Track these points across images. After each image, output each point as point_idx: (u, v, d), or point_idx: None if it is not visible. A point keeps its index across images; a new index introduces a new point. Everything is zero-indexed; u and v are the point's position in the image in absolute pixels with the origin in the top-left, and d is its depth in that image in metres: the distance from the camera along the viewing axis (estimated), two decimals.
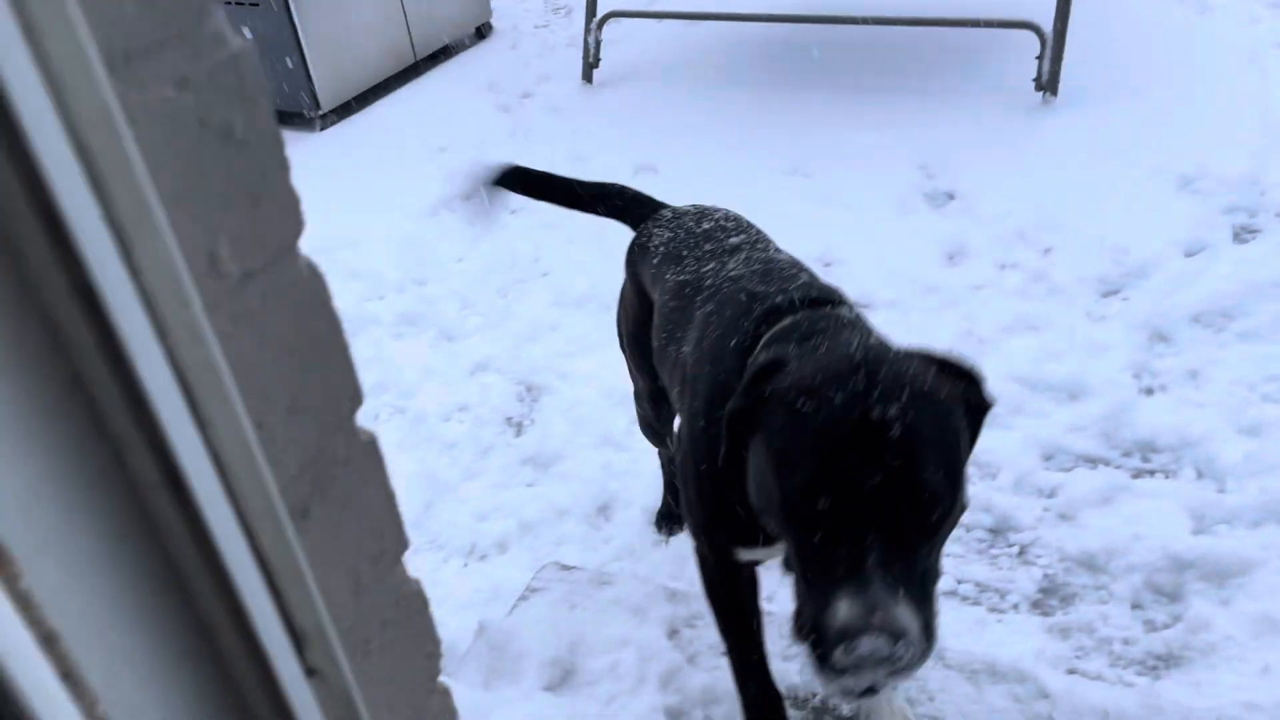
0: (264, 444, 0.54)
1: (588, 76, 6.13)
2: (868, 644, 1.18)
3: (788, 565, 1.38)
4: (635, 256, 2.46)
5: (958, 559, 2.80)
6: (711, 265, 2.07)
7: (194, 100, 0.47)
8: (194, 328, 0.41)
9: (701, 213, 2.36)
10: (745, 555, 1.78)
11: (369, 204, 5.12)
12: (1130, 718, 2.00)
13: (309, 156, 5.76)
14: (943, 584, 2.75)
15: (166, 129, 0.46)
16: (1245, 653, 2.40)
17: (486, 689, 2.20)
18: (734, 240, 2.16)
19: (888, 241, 4.22)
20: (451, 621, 2.75)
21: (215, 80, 0.48)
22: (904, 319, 3.74)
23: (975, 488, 2.97)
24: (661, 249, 2.27)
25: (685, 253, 2.18)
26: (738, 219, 2.32)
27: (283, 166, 0.55)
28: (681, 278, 2.10)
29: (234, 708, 0.46)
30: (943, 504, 1.28)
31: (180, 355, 0.40)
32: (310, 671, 0.49)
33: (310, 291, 0.58)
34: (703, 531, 1.83)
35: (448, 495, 3.29)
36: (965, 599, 2.70)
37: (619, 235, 4.59)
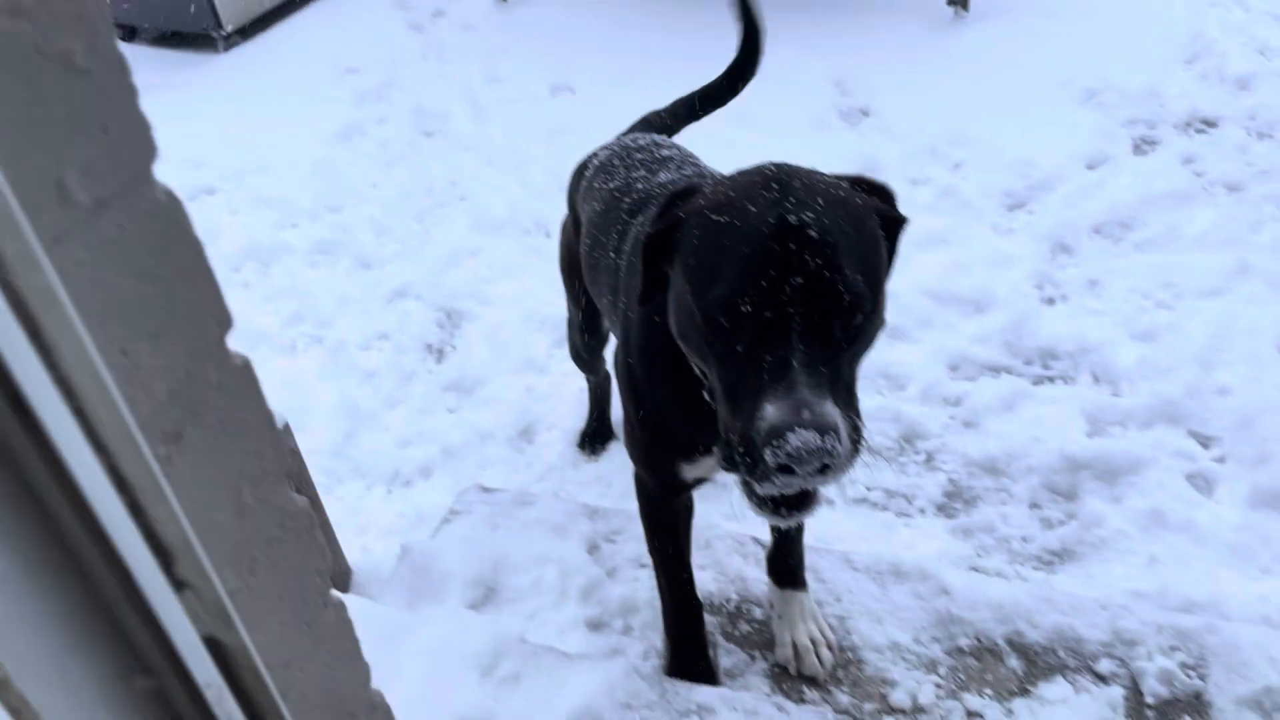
0: (128, 369, 0.56)
1: None
2: (796, 439, 1.16)
3: (726, 461, 1.35)
4: (573, 180, 2.44)
5: (868, 467, 2.90)
6: (642, 173, 2.08)
7: (30, 28, 0.47)
8: (29, 256, 0.42)
9: (644, 136, 2.35)
10: (689, 472, 1.78)
11: (278, 128, 4.98)
12: (1023, 608, 2.13)
13: (213, 79, 5.57)
14: (852, 492, 2.88)
15: (1, 59, 0.46)
16: (1134, 545, 2.55)
17: (410, 610, 2.24)
18: (665, 153, 2.17)
19: (803, 159, 4.22)
20: (376, 547, 2.79)
21: (51, 7, 0.48)
22: None
23: (884, 399, 3.07)
24: (596, 165, 2.27)
25: (618, 163, 2.18)
26: (676, 143, 2.32)
27: (129, 93, 0.55)
28: (611, 185, 2.11)
29: (104, 621, 0.48)
30: (864, 306, 1.27)
31: (17, 282, 0.41)
32: (180, 585, 0.52)
33: (169, 218, 0.59)
34: (645, 452, 1.82)
35: (370, 424, 3.29)
36: (874, 505, 2.81)
37: (539, 158, 4.57)
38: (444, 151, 4.73)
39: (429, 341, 3.64)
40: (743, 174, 1.40)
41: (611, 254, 1.96)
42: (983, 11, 5.01)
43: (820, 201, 1.28)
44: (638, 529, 2.32)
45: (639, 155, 2.17)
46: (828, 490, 1.57)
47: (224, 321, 0.62)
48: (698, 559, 2.34)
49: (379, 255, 4.09)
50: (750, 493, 1.37)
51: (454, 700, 1.75)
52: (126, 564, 0.46)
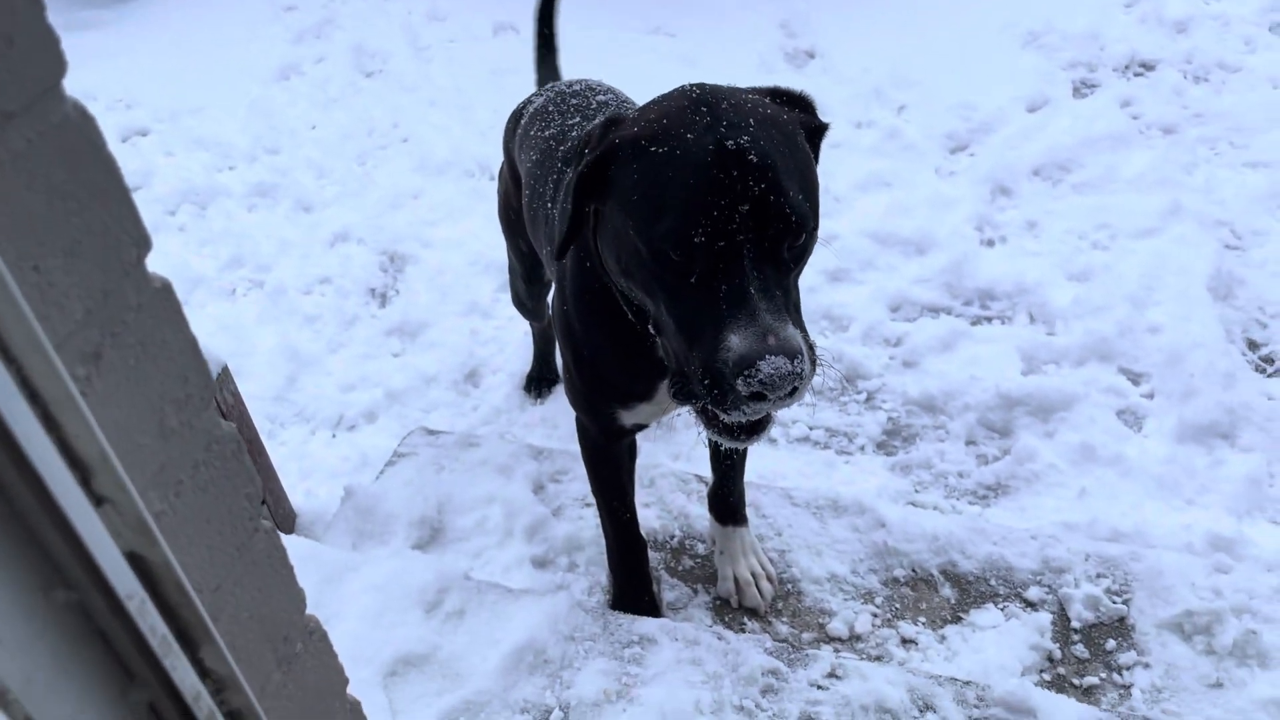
0: (41, 287, 0.55)
1: None
2: (768, 366, 1.19)
3: (680, 395, 1.37)
4: (508, 128, 2.40)
5: (809, 408, 2.95)
6: (577, 120, 2.05)
7: None
8: None
9: (579, 82, 2.31)
10: (627, 419, 1.78)
11: (213, 67, 4.84)
12: (957, 539, 2.19)
13: (145, 16, 5.38)
14: (797, 432, 2.92)
15: None
16: (1065, 479, 2.63)
17: (355, 550, 2.25)
18: (601, 98, 2.14)
19: None
20: (321, 491, 2.77)
21: None
22: None
23: (827, 340, 3.11)
24: (531, 112, 2.23)
25: (552, 110, 2.15)
26: (611, 87, 2.29)
27: (35, 4, 0.54)
28: (547, 133, 2.08)
29: (21, 534, 0.48)
30: (808, 224, 1.28)
31: None
32: (99, 500, 0.51)
33: (81, 134, 0.58)
34: (584, 399, 1.80)
35: (312, 368, 3.25)
36: (816, 444, 2.86)
37: (482, 99, 4.50)
38: (385, 92, 4.63)
39: (372, 285, 3.59)
40: (666, 99, 1.38)
41: (549, 204, 1.94)
42: None
43: (752, 123, 1.27)
44: (583, 469, 2.35)
45: (574, 101, 2.14)
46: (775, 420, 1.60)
47: (141, 242, 0.61)
48: (642, 496, 2.37)
49: (319, 198, 4.02)
50: (710, 420, 1.38)
51: (398, 636, 1.76)
52: (42, 478, 0.45)
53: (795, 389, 1.23)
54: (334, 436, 3.04)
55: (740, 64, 4.48)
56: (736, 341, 1.22)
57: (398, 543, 2.28)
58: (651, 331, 1.50)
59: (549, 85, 2.33)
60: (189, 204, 4.01)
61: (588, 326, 1.69)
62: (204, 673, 0.63)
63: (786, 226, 1.26)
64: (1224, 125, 3.77)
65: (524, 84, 2.73)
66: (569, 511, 2.38)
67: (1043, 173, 3.68)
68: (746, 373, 1.20)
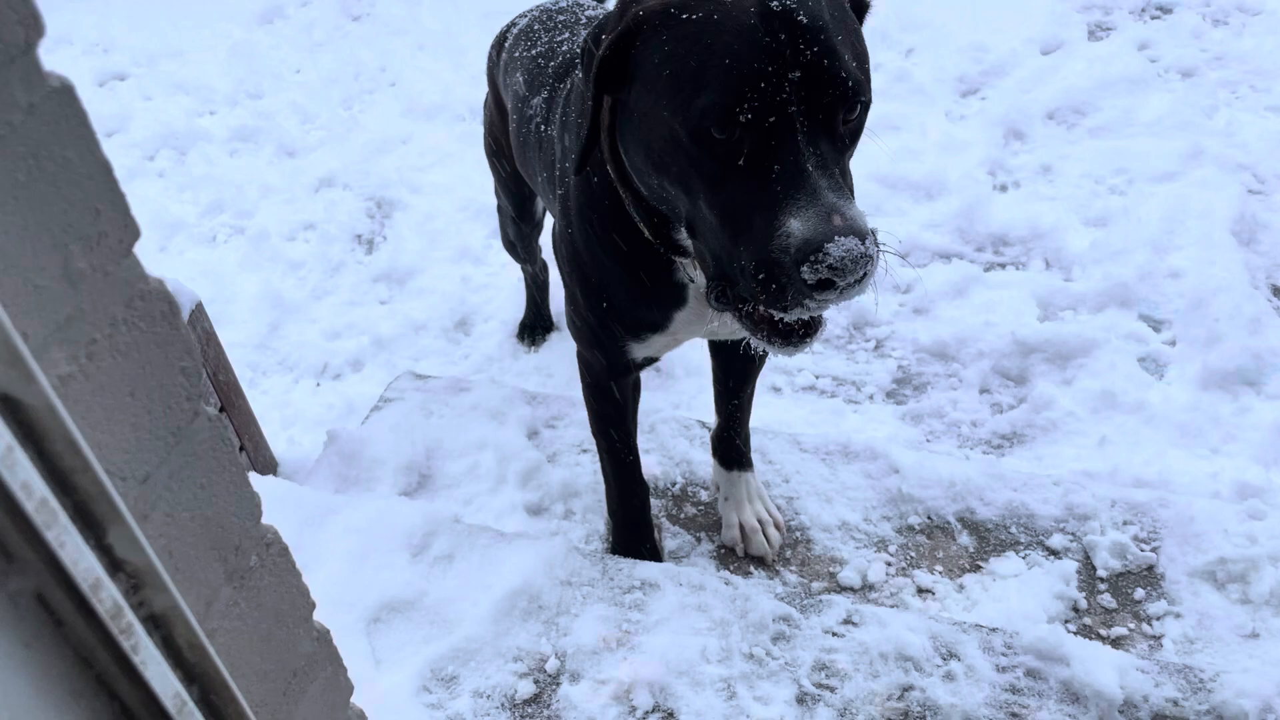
0: None
1: None
2: (838, 248, 1.03)
3: (719, 297, 1.20)
4: (491, 55, 2.25)
5: (816, 356, 2.83)
6: (566, 35, 1.90)
7: None
8: None
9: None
10: (638, 351, 1.64)
11: (193, 11, 4.67)
12: (974, 485, 2.07)
13: None
14: (803, 381, 2.80)
15: None
16: (1084, 427, 2.51)
17: (339, 494, 2.12)
18: (591, 12, 2.00)
19: None
20: (305, 440, 2.65)
21: None
22: None
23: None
24: (516, 33, 2.08)
25: (538, 28, 2.00)
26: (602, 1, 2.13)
27: None
28: (534, 52, 1.93)
29: None
30: (864, 93, 1.13)
31: None
32: None
33: None
34: (591, 332, 1.65)
35: (296, 315, 3.12)
36: (823, 393, 2.73)
37: (473, 41, 4.33)
38: (373, 36, 4.47)
39: (358, 232, 3.45)
40: None
41: (541, 124, 1.79)
42: None
43: None
44: (580, 414, 2.22)
45: (561, 17, 1.99)
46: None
47: (31, 23, 0.48)
48: (643, 443, 2.25)
49: (304, 143, 3.87)
50: (759, 324, 1.21)
51: (383, 580, 1.64)
52: None
53: (865, 274, 1.07)
54: (318, 385, 2.91)
55: None
56: (798, 225, 1.06)
57: (383, 489, 2.15)
58: (679, 242, 1.35)
59: (535, 4, 2.18)
60: (168, 149, 3.86)
61: (596, 250, 1.53)
62: (115, 563, 0.50)
63: (843, 94, 1.10)
64: (1244, 68, 3.63)
65: None
66: (565, 457, 2.26)
67: (1057, 116, 3.54)
68: (813, 257, 1.04)
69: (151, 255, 3.35)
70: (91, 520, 0.48)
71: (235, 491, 0.70)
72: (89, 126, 0.53)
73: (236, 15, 4.59)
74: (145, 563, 0.51)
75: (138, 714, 0.51)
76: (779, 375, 2.79)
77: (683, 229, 1.28)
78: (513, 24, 2.16)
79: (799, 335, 1.22)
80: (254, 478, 1.81)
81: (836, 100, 1.10)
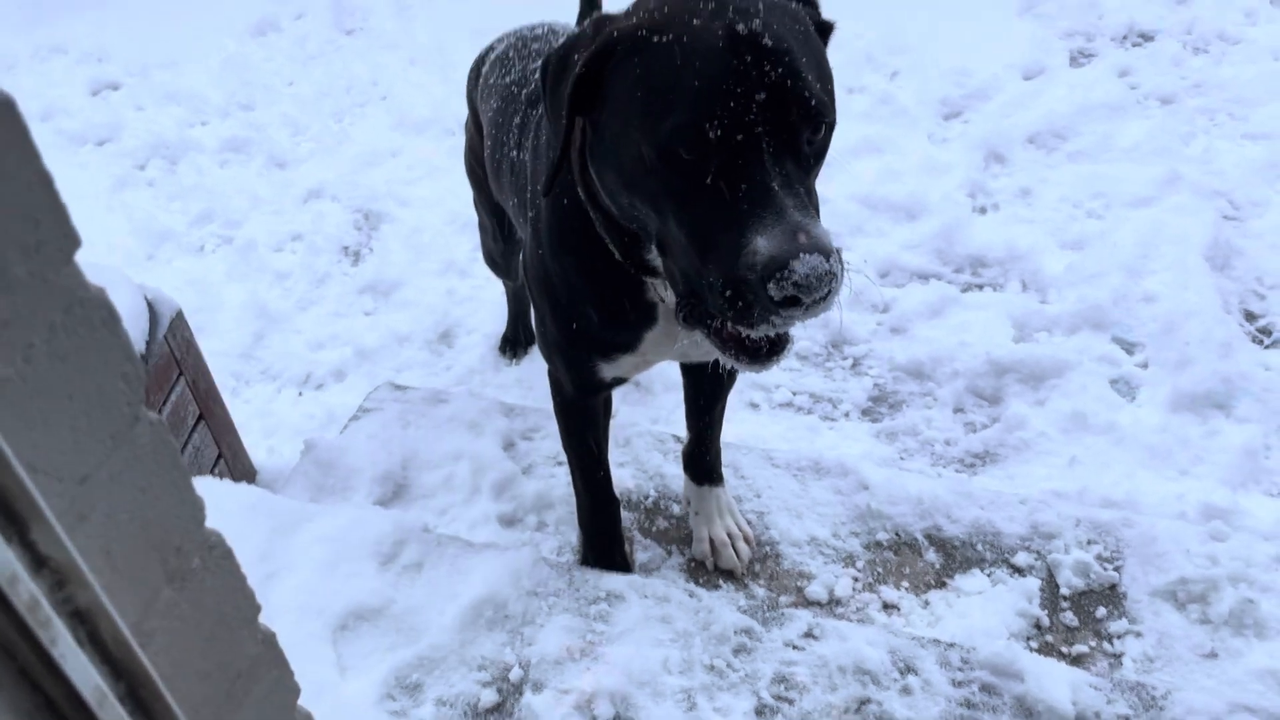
0: None
1: None
2: (803, 265, 1.05)
3: (688, 315, 1.23)
4: (470, 77, 2.28)
5: (794, 372, 2.85)
6: (538, 64, 1.93)
7: None
8: None
9: (541, 25, 2.19)
10: (608, 371, 1.64)
11: (187, 21, 4.71)
12: (942, 502, 2.10)
13: None
14: (780, 397, 2.82)
15: None
16: (1055, 447, 2.54)
17: (312, 503, 2.14)
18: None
19: None
20: (284, 448, 2.67)
21: None
22: None
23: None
24: (493, 59, 2.11)
25: (513, 55, 2.04)
26: (572, 28, 2.16)
27: None
28: (508, 79, 1.97)
29: None
30: (828, 114, 1.15)
31: None
32: None
33: None
34: (560, 351, 1.66)
35: (281, 325, 3.14)
36: (799, 409, 2.76)
37: (465, 57, 4.36)
38: (365, 50, 4.51)
39: (345, 243, 3.48)
40: None
41: (514, 151, 1.81)
42: None
43: (761, 8, 1.15)
44: (556, 427, 2.25)
45: (535, 45, 2.02)
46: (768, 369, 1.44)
47: None
48: (617, 455, 2.27)
49: (294, 154, 3.90)
50: (727, 342, 1.24)
51: (351, 588, 1.66)
52: None
53: (830, 291, 1.09)
54: (300, 395, 2.93)
55: None
56: (764, 243, 1.08)
57: (359, 498, 2.17)
58: (650, 262, 1.36)
59: (511, 30, 2.21)
60: (159, 158, 3.89)
61: (566, 268, 1.54)
62: (38, 559, 0.53)
63: (806, 114, 1.12)
64: (1223, 96, 3.68)
65: None
66: (540, 469, 2.28)
67: (1037, 140, 3.58)
68: (779, 275, 1.06)
69: (139, 263, 3.38)
70: (14, 517, 0.50)
71: (178, 495, 0.72)
72: (29, 140, 0.56)
73: (231, 27, 4.64)
74: (68, 560, 0.54)
75: (60, 706, 0.53)
76: (757, 391, 2.82)
77: (653, 248, 1.30)
78: (490, 49, 2.20)
79: (766, 352, 1.25)
80: (227, 484, 1.83)
81: (801, 120, 1.13)
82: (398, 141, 3.92)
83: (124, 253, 3.39)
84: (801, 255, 1.06)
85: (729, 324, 1.18)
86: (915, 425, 2.65)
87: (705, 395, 1.96)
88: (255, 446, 2.64)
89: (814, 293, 1.07)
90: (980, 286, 3.06)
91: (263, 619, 0.84)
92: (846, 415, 2.72)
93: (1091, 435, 2.55)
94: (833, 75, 1.25)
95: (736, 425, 2.65)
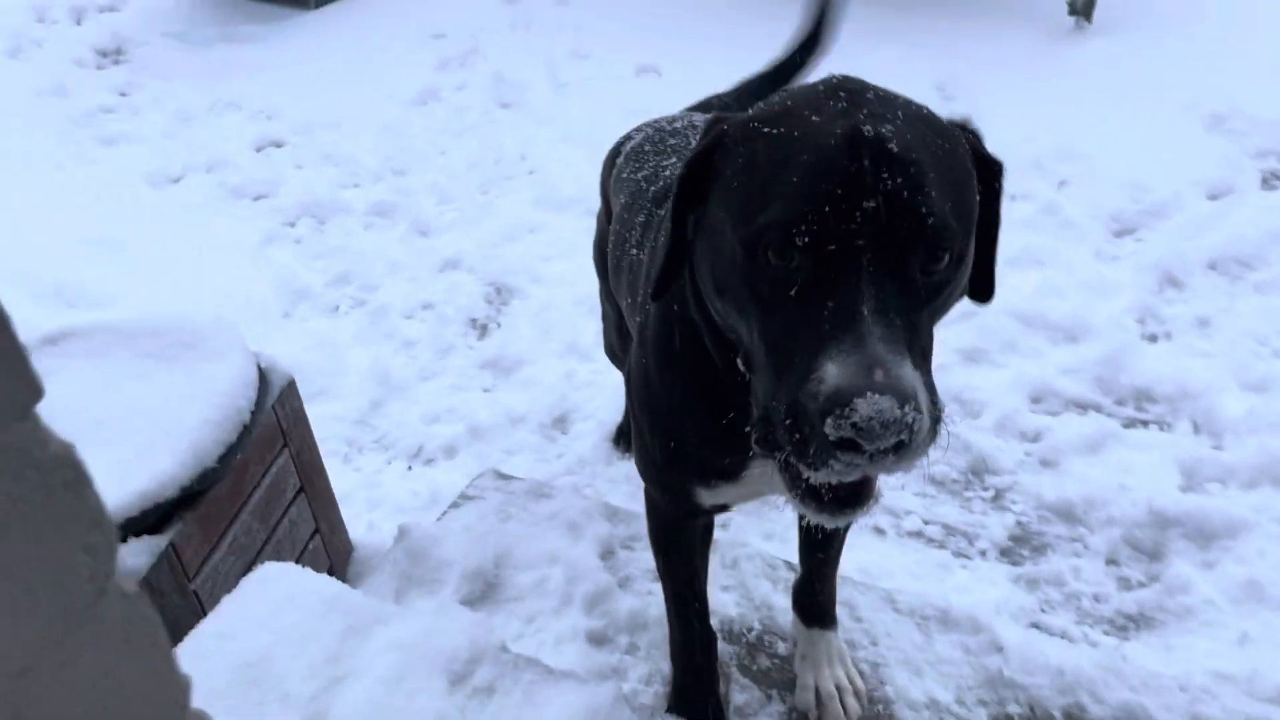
0: None
1: None
2: (867, 405, 0.88)
3: (760, 439, 1.04)
4: (605, 165, 2.20)
5: (928, 499, 2.63)
6: (673, 160, 1.83)
7: None
8: None
9: (682, 116, 2.09)
10: (707, 499, 1.48)
11: (355, 87, 4.88)
12: (1087, 678, 1.83)
13: (299, 34, 5.49)
14: (909, 525, 2.60)
15: None
16: (1224, 619, 2.23)
17: (399, 598, 2.05)
18: None
19: None
20: (384, 525, 2.61)
21: None
22: None
23: (953, 426, 2.78)
24: (628, 151, 2.02)
25: (649, 148, 1.94)
26: None
27: None
28: (640, 174, 1.87)
29: None
30: (952, 242, 0.99)
31: None
32: None
33: None
34: (657, 471, 1.52)
35: (400, 394, 3.11)
36: (930, 541, 2.53)
37: (614, 137, 4.35)
38: (518, 123, 4.56)
39: (474, 315, 3.45)
40: (802, 86, 1.11)
41: (634, 249, 1.70)
42: (1107, 24, 4.65)
43: (900, 116, 1.00)
44: None
45: (673, 140, 1.91)
46: (881, 498, 1.25)
47: None
48: (721, 578, 2.10)
49: (437, 223, 3.93)
50: (793, 480, 1.06)
51: (415, 706, 1.53)
52: None
53: (902, 445, 0.91)
54: (409, 469, 2.87)
55: None
56: (833, 371, 0.92)
57: (446, 594, 2.07)
58: (746, 376, 1.21)
59: (650, 121, 2.12)
60: (309, 217, 3.98)
61: (669, 383, 1.40)
62: None
63: (920, 233, 0.96)
64: None
65: None
66: (637, 584, 2.12)
67: (1220, 266, 3.27)
68: (839, 410, 0.90)
69: (274, 319, 3.43)
70: None
71: (154, 678, 0.60)
72: None
73: (395, 95, 4.77)
74: None
75: None
76: (884, 515, 2.61)
77: (740, 359, 1.15)
78: (627, 138, 2.11)
79: (835, 501, 1.06)
80: (307, 575, 1.74)
81: (912, 239, 0.95)
82: (539, 217, 3.91)
83: (261, 307, 3.46)
84: (869, 394, 0.89)
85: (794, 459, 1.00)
86: (1061, 574, 2.38)
87: (822, 530, 1.78)
88: (357, 519, 2.58)
89: (876, 441, 0.89)
90: (1145, 423, 2.77)
91: None
92: (983, 554, 2.47)
93: (1268, 610, 2.23)
94: (975, 208, 1.07)
95: (858, 551, 2.44)
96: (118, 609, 0.57)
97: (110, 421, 1.89)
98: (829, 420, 0.90)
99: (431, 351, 3.29)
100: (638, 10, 5.37)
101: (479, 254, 3.72)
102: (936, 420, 0.96)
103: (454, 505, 2.35)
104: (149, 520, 1.78)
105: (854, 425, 0.89)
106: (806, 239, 0.95)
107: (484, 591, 2.10)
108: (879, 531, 2.56)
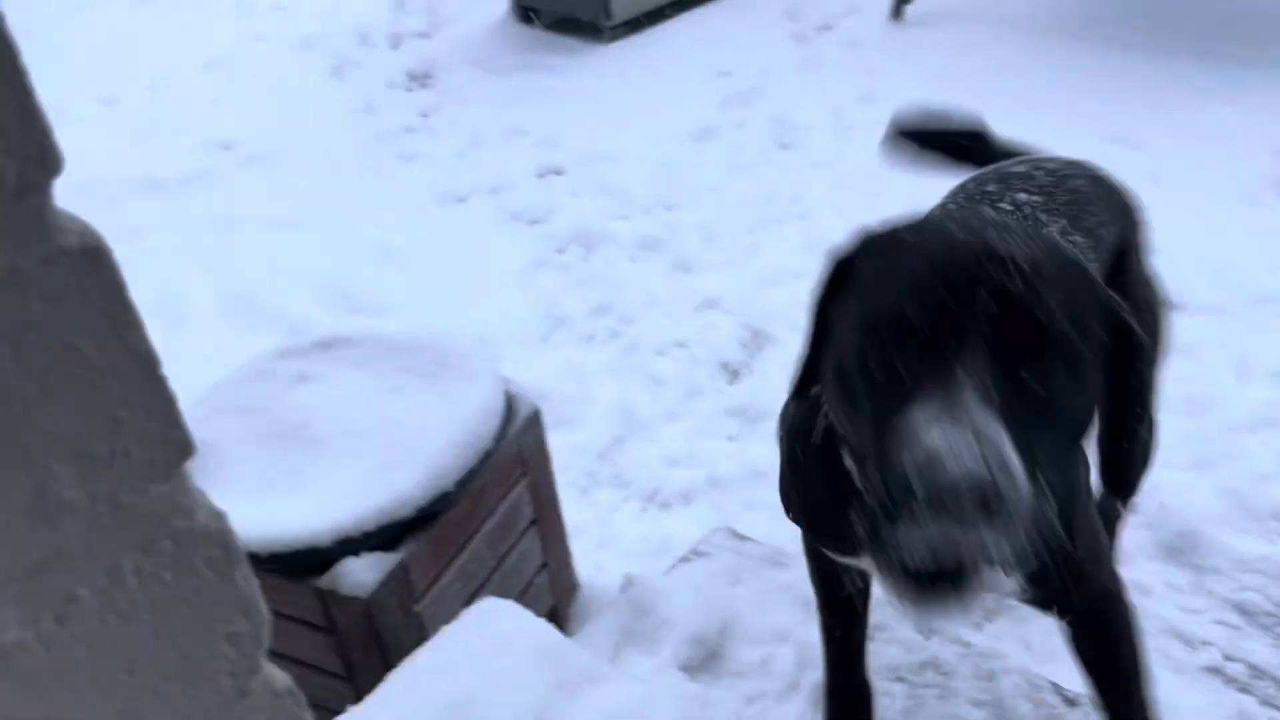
0: None
1: (898, 13, 5.58)
2: (956, 461, 0.85)
3: (868, 537, 0.99)
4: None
5: (1233, 630, 2.23)
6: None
7: None
8: None
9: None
10: (841, 559, 1.49)
11: (637, 120, 4.93)
12: None
13: (591, 67, 5.64)
14: (1206, 658, 2.21)
15: None
16: None
17: (615, 652, 1.94)
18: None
19: (1222, 235, 3.50)
20: (612, 567, 2.52)
21: None
22: (1224, 328, 3.08)
23: (1273, 548, 2.36)
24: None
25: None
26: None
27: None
28: None
29: None
30: (1062, 346, 0.97)
31: None
32: None
33: None
34: (806, 553, 1.68)
35: (643, 433, 3.05)
36: (1230, 682, 2.13)
37: (895, 186, 4.12)
38: (795, 166, 4.43)
39: (726, 359, 3.34)
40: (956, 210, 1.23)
41: None
42: None
43: (1035, 241, 1.03)
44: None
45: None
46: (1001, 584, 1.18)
47: (32, 161, 0.32)
48: (971, 691, 1.85)
49: (700, 260, 3.87)
50: (888, 567, 0.97)
51: None
52: None
53: (993, 515, 0.85)
54: (644, 510, 2.79)
55: (1217, 191, 3.75)
56: (919, 416, 0.91)
57: (665, 655, 1.94)
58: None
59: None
60: (578, 245, 4.04)
61: (801, 480, 1.43)
62: None
63: (1030, 328, 0.95)
64: None
65: (945, 179, 2.32)
66: (874, 681, 1.91)
67: None
68: (924, 459, 0.87)
69: (533, 343, 3.48)
70: None
71: None
72: (124, 299, 0.36)
73: (675, 130, 4.78)
74: None
75: None
76: (1174, 641, 2.23)
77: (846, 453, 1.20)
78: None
79: (933, 583, 0.96)
80: (527, 618, 1.67)
81: (1021, 332, 0.95)
82: (805, 263, 3.74)
83: (523, 329, 3.51)
84: (959, 448, 0.86)
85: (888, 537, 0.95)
86: None
87: (1088, 643, 1.53)
88: (585, 556, 2.52)
89: (961, 501, 0.85)
90: None
91: None
92: None
93: None
94: (1094, 335, 1.03)
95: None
96: (265, 706, 0.47)
97: (361, 432, 1.91)
98: (916, 478, 0.86)
99: (680, 391, 3.21)
100: (934, 61, 5.09)
101: (739, 295, 3.62)
102: (1043, 512, 0.91)
103: (684, 560, 2.23)
104: (384, 537, 1.78)
105: (935, 480, 0.85)
106: (913, 331, 0.97)
107: (704, 660, 1.96)
108: (1167, 658, 2.20)
